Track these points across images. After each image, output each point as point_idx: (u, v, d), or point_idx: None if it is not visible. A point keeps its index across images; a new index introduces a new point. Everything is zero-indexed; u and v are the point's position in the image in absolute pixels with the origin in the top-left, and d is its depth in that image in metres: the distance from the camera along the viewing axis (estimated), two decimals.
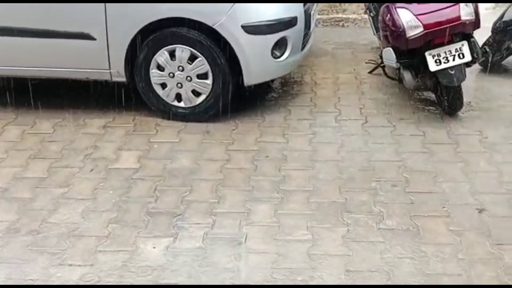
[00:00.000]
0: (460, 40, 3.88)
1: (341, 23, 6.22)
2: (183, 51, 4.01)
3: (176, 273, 2.77)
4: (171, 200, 3.32)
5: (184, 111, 4.18)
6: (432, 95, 4.34)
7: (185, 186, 3.44)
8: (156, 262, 2.84)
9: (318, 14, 5.84)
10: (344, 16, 6.22)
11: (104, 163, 3.69)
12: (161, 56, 4.04)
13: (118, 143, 3.93)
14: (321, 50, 5.48)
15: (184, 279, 2.73)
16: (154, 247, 2.94)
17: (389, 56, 4.08)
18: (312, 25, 4.59)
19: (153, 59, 4.06)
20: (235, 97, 4.23)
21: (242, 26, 3.93)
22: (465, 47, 3.85)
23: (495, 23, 4.64)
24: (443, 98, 4.09)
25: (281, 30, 4.07)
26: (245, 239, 2.98)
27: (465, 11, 3.80)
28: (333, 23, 6.22)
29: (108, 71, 4.10)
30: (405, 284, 2.65)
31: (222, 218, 3.15)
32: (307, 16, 4.32)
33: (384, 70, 4.59)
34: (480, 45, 4.27)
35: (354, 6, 6.13)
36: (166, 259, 2.85)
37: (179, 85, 4.11)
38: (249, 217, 3.15)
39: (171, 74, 4.09)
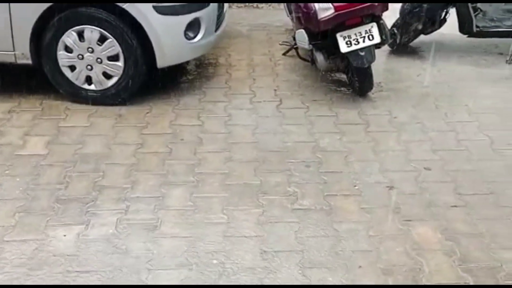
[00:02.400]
0: (369, 22, 3.96)
1: (255, 5, 6.21)
2: (92, 32, 3.88)
3: (88, 261, 2.69)
4: (82, 186, 3.22)
5: (95, 94, 4.05)
6: (344, 76, 4.43)
7: (97, 172, 3.35)
8: (67, 250, 2.75)
9: None
10: None
11: (10, 149, 3.53)
12: (69, 37, 3.89)
13: (25, 128, 3.76)
14: (235, 32, 5.46)
15: (96, 266, 2.66)
16: (65, 235, 2.84)
17: (302, 38, 4.11)
18: (226, 6, 4.56)
19: (60, 40, 3.90)
20: (149, 80, 4.14)
21: (154, 7, 3.84)
22: (374, 28, 3.94)
23: (402, 6, 4.77)
24: (354, 79, 4.18)
25: (194, 11, 4.01)
26: (160, 224, 2.94)
27: None
28: (247, 4, 6.20)
29: (13, 53, 3.91)
30: (317, 260, 2.71)
31: (136, 203, 3.09)
32: None
33: (297, 52, 4.63)
34: (389, 27, 4.40)
35: None
36: (78, 247, 2.77)
37: (89, 67, 3.98)
38: (163, 202, 3.11)
39: (80, 56, 3.94)
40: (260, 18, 5.88)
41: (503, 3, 4.91)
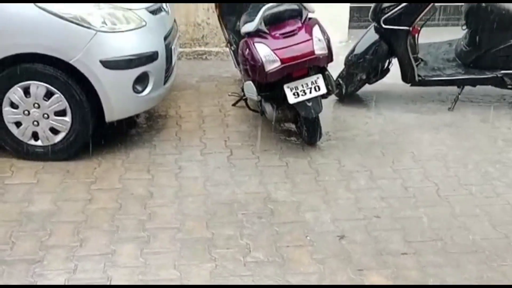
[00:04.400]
0: (315, 73, 4.06)
1: (204, 56, 6.29)
2: (38, 88, 3.84)
3: None
4: (28, 246, 3.13)
5: (42, 150, 3.98)
6: (293, 126, 4.49)
7: (44, 230, 3.26)
8: None
9: (181, 47, 5.86)
10: (206, 49, 6.30)
11: None
12: (15, 93, 3.84)
13: None
14: (185, 84, 5.50)
15: None
16: None
17: (250, 89, 4.17)
18: (174, 58, 4.59)
19: (5, 97, 3.85)
20: (97, 133, 4.11)
21: (101, 61, 3.82)
22: (320, 80, 4.04)
23: (347, 57, 4.91)
24: (303, 129, 4.25)
25: (142, 65, 4.01)
26: (110, 283, 2.87)
27: (318, 46, 3.97)
28: (196, 56, 6.27)
29: None
30: None
31: (85, 262, 3.02)
32: (168, 50, 4.30)
33: (246, 103, 4.69)
34: (335, 78, 4.52)
35: (216, 39, 6.23)
36: None
37: (35, 123, 3.92)
38: (113, 259, 3.05)
39: (26, 112, 3.89)
40: (209, 69, 5.94)
41: (443, 53, 5.11)
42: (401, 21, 4.61)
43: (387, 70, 4.99)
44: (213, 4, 5.41)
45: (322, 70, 4.10)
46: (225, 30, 5.16)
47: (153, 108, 4.64)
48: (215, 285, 2.56)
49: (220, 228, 3.32)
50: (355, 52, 4.86)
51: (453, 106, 4.92)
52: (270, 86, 4.13)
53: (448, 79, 4.88)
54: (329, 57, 4.04)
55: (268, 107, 4.24)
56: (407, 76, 4.83)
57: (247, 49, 4.09)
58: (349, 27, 6.42)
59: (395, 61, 4.90)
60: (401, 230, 3.33)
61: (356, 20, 6.40)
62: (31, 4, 3.68)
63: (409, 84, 4.91)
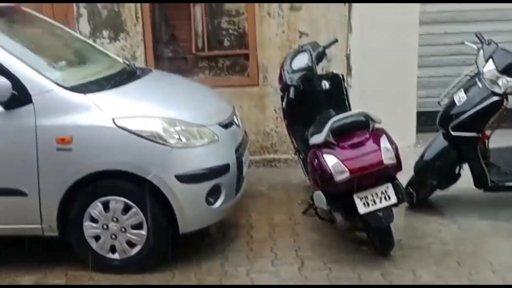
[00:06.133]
0: (385, 182, 4.06)
1: (273, 163, 6.42)
2: (117, 202, 4.01)
3: None
4: None
5: (119, 263, 4.10)
6: (364, 235, 4.45)
7: None
8: None
9: (250, 155, 6.01)
10: (275, 156, 6.43)
11: None
12: (95, 208, 4.02)
13: None
14: (255, 191, 5.59)
15: None
16: None
17: (320, 199, 4.20)
18: (245, 169, 4.71)
19: (86, 212, 4.03)
20: (171, 244, 4.20)
21: (176, 176, 3.97)
22: (390, 189, 4.03)
23: (416, 163, 4.90)
24: (374, 239, 4.20)
25: (214, 178, 4.14)
26: None
27: (386, 156, 4.00)
28: (265, 163, 6.41)
29: (40, 226, 4.02)
30: None
31: None
32: (239, 162, 4.44)
33: (316, 212, 4.69)
34: (406, 184, 4.49)
35: (285, 147, 6.36)
36: None
37: (113, 236, 4.07)
38: None
39: (105, 226, 4.05)
40: (278, 177, 6.04)
41: None
42: (470, 127, 4.58)
43: (458, 175, 4.91)
44: (281, 113, 5.59)
45: (392, 179, 4.10)
46: (293, 139, 5.29)
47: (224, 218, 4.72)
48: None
49: None
50: (425, 159, 4.85)
51: None
52: (340, 196, 4.15)
53: None
54: (398, 166, 4.05)
55: (338, 216, 4.23)
56: (480, 181, 4.74)
57: (316, 160, 4.17)
58: (417, 131, 6.44)
59: (465, 166, 4.84)
60: None
61: (423, 124, 6.41)
62: (112, 124, 3.92)
63: (482, 190, 4.82)
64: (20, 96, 3.87)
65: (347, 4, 6.06)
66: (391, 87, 6.22)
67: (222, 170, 4.20)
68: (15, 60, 3.94)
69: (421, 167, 4.84)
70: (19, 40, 4.39)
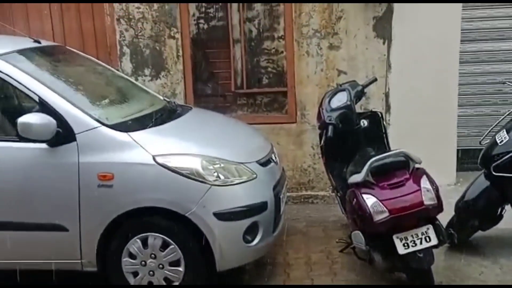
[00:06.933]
0: (425, 223, 3.99)
1: (310, 200, 6.40)
2: (155, 239, 4.05)
3: None
4: None
5: None
6: (403, 275, 4.37)
7: None
8: None
9: (288, 192, 6.01)
10: (312, 193, 6.42)
11: None
12: (134, 245, 4.07)
13: None
14: (292, 228, 5.57)
15: None
16: None
17: (358, 239, 4.16)
18: (282, 207, 4.71)
19: (125, 248, 4.08)
20: (208, 281, 4.19)
21: (214, 214, 4.00)
22: (430, 230, 3.97)
23: (457, 203, 4.82)
24: (414, 280, 4.12)
25: (252, 216, 4.15)
26: None
27: (427, 197, 3.94)
28: (302, 200, 6.39)
29: (80, 261, 4.08)
30: None
31: None
32: (277, 199, 4.44)
33: (354, 251, 4.65)
34: (446, 223, 4.41)
35: (322, 183, 6.35)
36: None
37: (151, 273, 4.09)
38: None
39: (143, 262, 4.08)
40: (316, 213, 6.01)
41: None
42: None
43: (501, 216, 4.81)
44: (319, 150, 5.59)
45: (432, 220, 4.04)
46: (331, 177, 5.27)
47: None
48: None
49: None
50: (466, 199, 4.77)
51: None
52: (379, 236, 4.09)
53: None
54: (439, 207, 3.98)
55: (377, 256, 4.18)
56: None
57: (355, 199, 4.14)
58: (457, 169, 6.35)
59: (508, 207, 4.74)
60: None
61: (463, 163, 6.33)
62: (153, 161, 3.98)
63: None
64: (64, 134, 3.98)
65: (386, 42, 6.08)
66: (431, 125, 6.17)
67: (259, 208, 4.21)
68: (59, 98, 4.06)
69: (463, 207, 4.75)
70: (63, 79, 4.53)
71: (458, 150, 6.39)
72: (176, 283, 4.09)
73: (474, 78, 6.52)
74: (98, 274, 4.19)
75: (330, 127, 4.75)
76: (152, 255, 4.07)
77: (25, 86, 4.07)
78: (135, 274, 4.12)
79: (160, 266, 4.07)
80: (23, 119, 3.88)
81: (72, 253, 4.06)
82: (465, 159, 6.36)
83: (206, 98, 6.58)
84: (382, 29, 6.08)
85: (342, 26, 6.11)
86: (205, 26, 6.47)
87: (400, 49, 6.11)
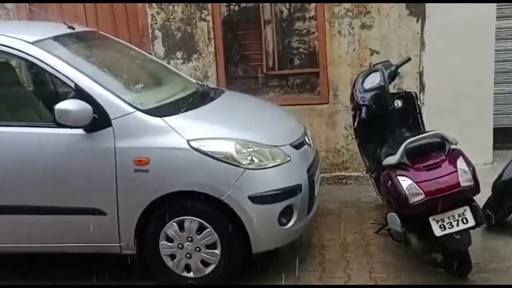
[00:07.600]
0: (462, 205, 3.95)
1: (344, 181, 6.38)
2: (191, 222, 4.09)
3: None
4: None
5: (193, 281, 4.18)
6: (440, 256, 4.34)
7: None
8: None
9: (321, 173, 6.00)
10: (346, 174, 6.40)
11: None
12: (170, 228, 4.12)
13: None
14: (326, 209, 5.57)
15: None
16: None
17: (394, 221, 4.14)
18: (317, 189, 4.71)
19: (162, 231, 4.13)
20: (244, 263, 4.23)
21: (249, 197, 4.02)
22: (467, 212, 3.92)
23: (494, 183, 4.76)
24: (451, 261, 4.10)
25: (286, 199, 4.16)
26: None
27: (463, 178, 3.89)
28: (336, 181, 6.38)
29: (118, 244, 4.15)
30: None
31: None
32: (311, 182, 4.44)
33: (389, 232, 4.61)
34: (483, 204, 4.35)
35: (355, 164, 6.32)
36: None
37: (188, 255, 4.15)
38: None
39: (180, 245, 4.14)
40: (349, 194, 6.00)
41: None
42: None
43: None
44: (352, 131, 5.56)
45: (469, 201, 3.99)
46: (365, 158, 5.24)
47: None
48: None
49: None
50: (503, 179, 4.70)
51: None
52: (415, 218, 4.07)
53: None
54: (476, 188, 3.93)
55: (413, 238, 4.16)
56: None
57: (390, 181, 4.11)
58: (494, 148, 6.25)
59: None
60: None
61: (500, 141, 6.23)
62: (187, 146, 4.01)
63: None
64: (100, 120, 4.03)
65: (419, 20, 5.98)
66: (467, 103, 6.08)
67: (294, 190, 4.22)
68: (95, 84, 4.10)
69: (500, 188, 4.69)
70: (98, 64, 4.56)
71: (494, 128, 6.28)
72: (213, 265, 4.13)
73: (511, 55, 6.37)
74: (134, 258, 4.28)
75: (363, 109, 4.71)
76: (189, 238, 4.12)
77: (61, 73, 4.12)
78: (173, 257, 4.17)
79: (197, 249, 4.13)
80: (60, 105, 3.94)
81: (111, 236, 4.13)
82: (502, 137, 6.26)
83: (238, 80, 6.59)
84: (415, 7, 5.98)
85: (374, 4, 6.03)
86: (236, 8, 6.45)
87: (434, 27, 6.00)
